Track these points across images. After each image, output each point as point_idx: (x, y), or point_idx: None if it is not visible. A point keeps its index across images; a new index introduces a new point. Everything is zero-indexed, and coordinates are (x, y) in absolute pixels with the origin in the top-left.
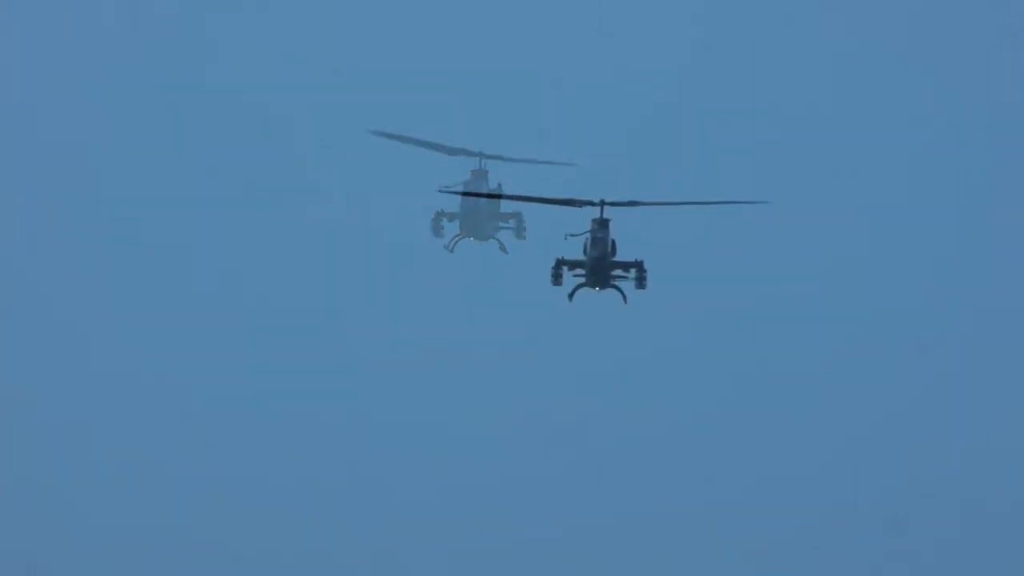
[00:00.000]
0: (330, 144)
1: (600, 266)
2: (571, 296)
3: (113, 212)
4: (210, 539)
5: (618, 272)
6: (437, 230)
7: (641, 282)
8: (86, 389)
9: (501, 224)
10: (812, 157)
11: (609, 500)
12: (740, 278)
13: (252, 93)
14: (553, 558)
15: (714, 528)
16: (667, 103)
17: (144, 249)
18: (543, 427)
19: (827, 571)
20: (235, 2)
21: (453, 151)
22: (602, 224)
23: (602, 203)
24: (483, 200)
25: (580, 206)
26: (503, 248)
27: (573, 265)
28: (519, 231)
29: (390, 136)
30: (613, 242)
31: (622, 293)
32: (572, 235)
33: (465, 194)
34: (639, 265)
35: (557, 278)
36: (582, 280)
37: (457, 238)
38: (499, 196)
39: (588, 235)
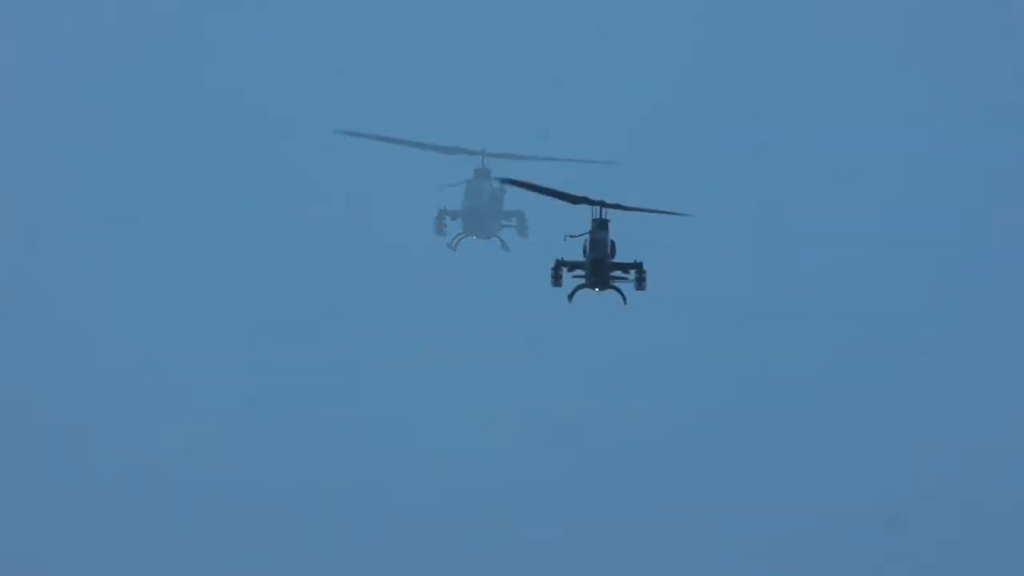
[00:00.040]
0: (330, 144)
1: (600, 267)
2: (571, 297)
3: (113, 212)
4: (210, 539)
5: (618, 273)
6: (440, 228)
7: (641, 283)
8: (86, 389)
9: (504, 222)
10: (812, 157)
11: (609, 500)
12: (740, 278)
13: (252, 93)
14: (553, 558)
15: (714, 528)
16: (667, 103)
17: (144, 249)
18: (543, 427)
19: (827, 571)
20: (235, 2)
21: (442, 149)
22: (601, 225)
23: (602, 203)
24: (486, 199)
25: (593, 204)
26: (505, 246)
27: (573, 266)
28: (522, 229)
29: (358, 135)
30: (613, 243)
31: (622, 294)
32: (571, 236)
33: (520, 185)
34: (639, 266)
35: (557, 279)
36: (582, 281)
37: (460, 236)
38: (542, 190)
39: (587, 236)
